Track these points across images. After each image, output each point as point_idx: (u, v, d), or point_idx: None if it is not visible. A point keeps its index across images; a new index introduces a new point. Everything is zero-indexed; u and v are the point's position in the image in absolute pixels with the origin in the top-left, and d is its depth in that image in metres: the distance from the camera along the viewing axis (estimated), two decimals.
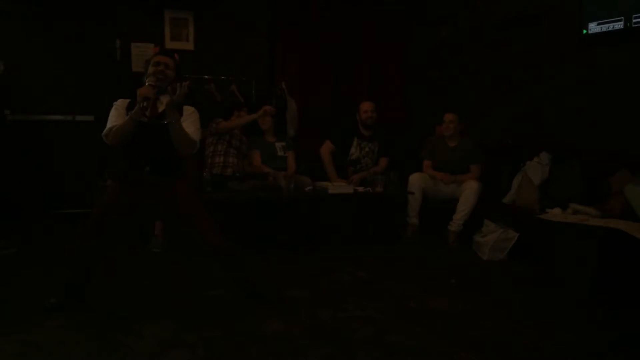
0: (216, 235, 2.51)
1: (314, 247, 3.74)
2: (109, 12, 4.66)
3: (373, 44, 5.29)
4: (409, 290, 2.96)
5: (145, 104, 2.37)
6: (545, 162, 3.81)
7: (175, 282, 3.02)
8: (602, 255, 2.86)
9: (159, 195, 2.48)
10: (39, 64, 4.56)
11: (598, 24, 3.63)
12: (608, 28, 3.57)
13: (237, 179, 3.79)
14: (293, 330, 2.36)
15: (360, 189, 3.96)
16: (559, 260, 3.13)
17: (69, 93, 4.66)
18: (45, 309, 2.46)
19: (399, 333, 2.36)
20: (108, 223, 2.46)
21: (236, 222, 3.52)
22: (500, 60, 4.53)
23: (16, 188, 4.28)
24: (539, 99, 4.18)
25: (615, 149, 3.46)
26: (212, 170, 3.96)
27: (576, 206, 3.24)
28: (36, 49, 4.55)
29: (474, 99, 4.73)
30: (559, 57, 4.00)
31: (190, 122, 2.53)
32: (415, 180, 4.11)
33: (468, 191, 3.97)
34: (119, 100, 2.55)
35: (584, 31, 3.72)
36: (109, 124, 2.45)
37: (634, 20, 3.40)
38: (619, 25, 3.50)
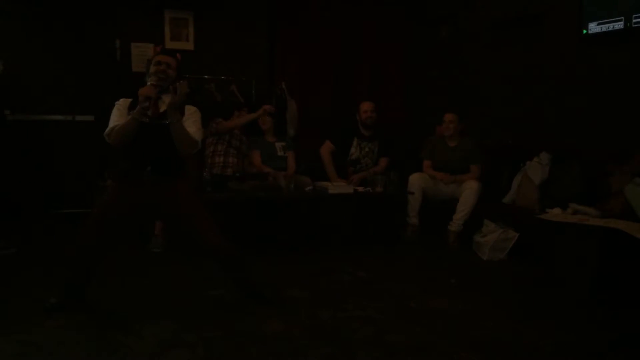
0: (216, 235, 2.51)
1: (314, 247, 3.74)
2: (109, 12, 4.66)
3: (373, 44, 5.29)
4: (409, 290, 2.96)
5: (147, 104, 2.37)
6: (545, 162, 3.81)
7: (175, 282, 3.02)
8: (602, 255, 2.86)
9: (159, 195, 2.48)
10: (39, 63, 4.56)
11: (598, 24, 3.63)
12: (608, 28, 3.57)
13: (237, 179, 3.79)
14: (293, 330, 2.36)
15: (360, 189, 3.96)
16: (559, 260, 3.13)
17: (69, 93, 4.66)
18: (46, 309, 2.46)
19: (399, 333, 2.36)
20: (108, 223, 2.46)
21: (236, 222, 3.52)
22: (500, 60, 4.53)
23: (16, 188, 4.28)
24: (539, 99, 4.18)
25: (615, 149, 3.46)
26: (212, 170, 3.96)
27: (576, 206, 3.23)
28: (36, 48, 4.55)
29: (474, 99, 4.73)
30: (559, 57, 4.00)
31: (191, 122, 2.52)
32: (415, 180, 4.11)
33: (468, 191, 3.97)
34: (121, 100, 2.54)
35: (584, 31, 3.72)
36: (111, 124, 2.45)
37: (634, 20, 3.40)
38: (619, 25, 3.50)
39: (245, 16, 5.02)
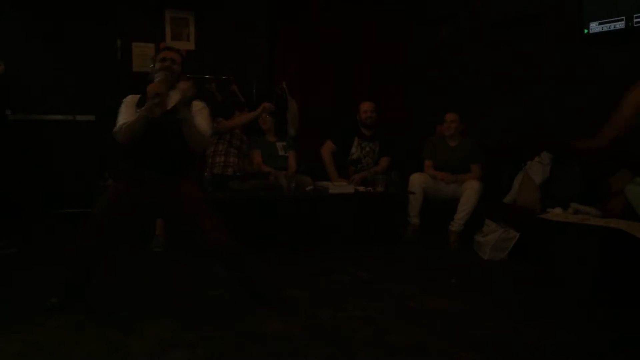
0: (221, 235, 2.50)
1: (314, 247, 3.74)
2: (110, 12, 4.67)
3: (373, 44, 5.29)
4: (409, 290, 2.96)
5: (157, 100, 2.36)
6: (546, 162, 3.81)
7: (176, 282, 3.02)
8: (602, 255, 2.85)
9: (163, 195, 2.48)
10: (40, 63, 4.57)
11: (599, 24, 3.63)
12: (609, 28, 3.57)
13: (238, 179, 3.80)
14: (293, 330, 2.36)
15: (361, 188, 3.97)
16: (559, 260, 3.13)
17: (69, 93, 4.66)
18: (46, 309, 2.46)
19: (399, 333, 2.36)
20: (109, 223, 2.46)
21: (236, 222, 3.51)
22: (500, 60, 4.53)
23: (17, 188, 4.28)
24: (539, 99, 4.18)
25: (615, 149, 3.45)
26: (213, 170, 3.96)
27: (577, 206, 3.23)
28: (37, 48, 4.55)
29: (474, 99, 4.73)
30: (560, 56, 3.99)
31: (201, 118, 2.54)
32: (416, 180, 4.11)
33: (469, 191, 3.97)
34: (129, 97, 2.55)
35: (585, 31, 3.72)
36: (119, 121, 2.44)
37: (634, 20, 3.40)
38: (619, 25, 3.50)
39: (246, 16, 5.02)
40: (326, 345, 2.22)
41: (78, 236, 2.47)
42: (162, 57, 2.55)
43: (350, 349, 2.19)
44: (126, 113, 2.47)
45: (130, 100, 2.53)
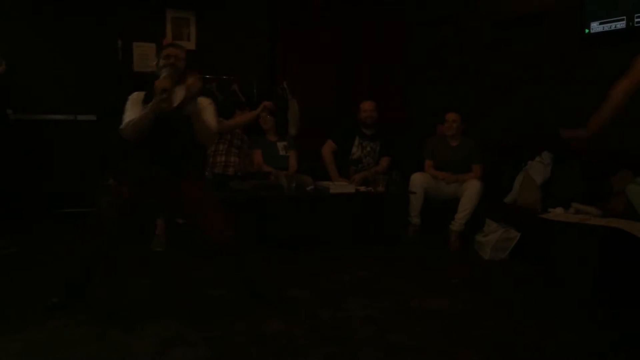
0: (220, 234, 2.51)
1: (314, 247, 3.74)
2: (111, 12, 4.67)
3: (373, 44, 5.29)
4: (409, 289, 2.95)
5: (164, 95, 2.38)
6: (547, 162, 3.80)
7: (177, 282, 3.02)
8: (603, 255, 2.85)
9: (164, 194, 2.50)
10: (41, 63, 4.57)
11: (600, 24, 3.62)
12: (610, 28, 3.56)
13: (239, 179, 3.80)
14: (293, 330, 2.36)
15: (362, 188, 3.97)
16: (560, 260, 3.12)
17: (70, 93, 4.66)
18: (47, 309, 2.46)
19: (399, 333, 2.36)
20: (116, 222, 2.47)
21: (237, 222, 3.51)
22: (500, 60, 4.52)
23: (18, 187, 4.29)
24: (539, 99, 4.17)
25: (615, 149, 3.45)
26: (214, 169, 3.96)
27: (578, 206, 3.23)
28: (38, 48, 4.56)
29: (474, 99, 4.72)
30: (560, 56, 3.99)
31: (208, 113, 2.58)
32: (417, 180, 4.11)
33: (470, 191, 3.97)
34: (134, 94, 2.56)
35: (586, 30, 3.72)
36: (126, 118, 2.46)
37: (636, 20, 3.40)
38: (620, 24, 3.49)
39: (247, 16, 5.03)
40: (326, 345, 2.21)
41: (84, 235, 2.47)
42: (166, 54, 2.57)
43: (350, 349, 2.19)
44: (132, 110, 2.49)
45: (135, 97, 2.54)
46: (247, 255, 2.61)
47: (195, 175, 2.63)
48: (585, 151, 3.62)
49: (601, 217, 3.04)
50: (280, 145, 4.32)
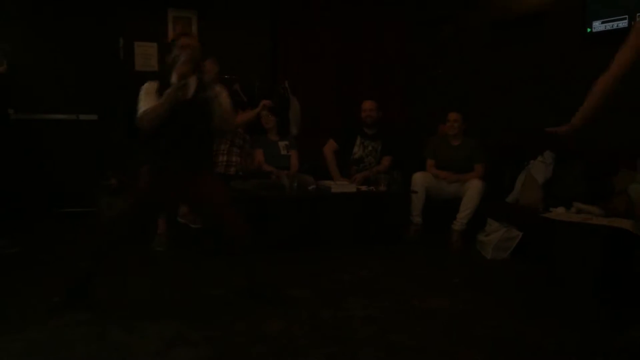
0: (239, 224, 2.58)
1: (315, 246, 3.73)
2: (112, 11, 4.68)
3: (373, 44, 5.29)
4: (411, 289, 2.95)
5: (184, 82, 2.42)
6: (549, 161, 3.79)
7: (177, 281, 3.03)
8: (605, 255, 2.84)
9: (182, 185, 2.53)
10: (42, 63, 4.59)
11: (602, 22, 3.61)
12: (612, 26, 3.55)
13: (240, 178, 3.80)
14: (294, 330, 2.36)
15: (363, 188, 3.96)
16: (562, 259, 3.11)
17: (72, 92, 4.67)
18: (48, 308, 2.46)
19: (400, 332, 2.35)
20: (125, 220, 2.53)
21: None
22: (500, 60, 4.52)
23: (19, 187, 4.30)
24: (539, 99, 4.16)
25: (616, 149, 3.44)
26: (216, 169, 3.96)
27: (580, 205, 3.22)
28: (39, 48, 4.57)
29: (474, 99, 4.72)
30: (561, 56, 3.98)
31: (224, 97, 2.61)
32: (419, 179, 4.10)
33: (471, 190, 3.96)
34: (147, 83, 2.57)
35: (588, 29, 3.71)
36: (142, 108, 2.46)
37: (638, 19, 3.38)
38: (622, 23, 3.48)
39: (248, 15, 5.03)
40: (327, 345, 2.21)
41: (95, 233, 2.49)
42: (182, 44, 2.57)
43: (351, 349, 2.18)
44: (146, 99, 2.49)
45: (149, 86, 2.54)
46: (247, 255, 2.62)
47: (210, 168, 2.65)
48: (587, 151, 3.62)
49: (603, 217, 3.03)
50: (282, 144, 4.32)
